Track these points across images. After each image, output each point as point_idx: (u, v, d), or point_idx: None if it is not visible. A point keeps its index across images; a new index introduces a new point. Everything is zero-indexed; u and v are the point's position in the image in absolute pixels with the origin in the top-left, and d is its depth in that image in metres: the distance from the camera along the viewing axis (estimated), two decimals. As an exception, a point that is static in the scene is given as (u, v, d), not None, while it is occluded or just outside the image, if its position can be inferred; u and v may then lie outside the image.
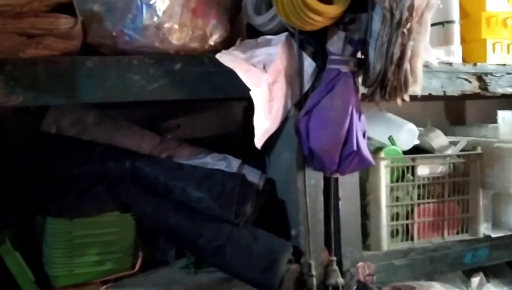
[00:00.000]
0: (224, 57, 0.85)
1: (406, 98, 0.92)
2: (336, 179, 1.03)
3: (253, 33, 1.05)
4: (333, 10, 0.86)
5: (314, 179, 1.02)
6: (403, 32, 0.84)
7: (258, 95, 0.85)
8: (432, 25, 1.27)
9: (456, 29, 1.26)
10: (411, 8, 0.82)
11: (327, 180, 1.03)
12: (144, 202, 0.94)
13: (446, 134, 1.55)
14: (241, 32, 1.13)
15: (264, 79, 0.88)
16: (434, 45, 1.26)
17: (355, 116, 0.91)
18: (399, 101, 0.93)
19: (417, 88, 0.91)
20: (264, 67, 0.91)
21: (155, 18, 0.85)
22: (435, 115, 1.75)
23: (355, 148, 0.89)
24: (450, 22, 1.26)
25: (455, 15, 1.26)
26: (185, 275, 0.99)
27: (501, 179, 1.17)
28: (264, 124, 0.88)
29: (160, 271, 0.99)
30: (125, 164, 0.96)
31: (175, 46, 0.89)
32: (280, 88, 0.94)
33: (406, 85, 0.90)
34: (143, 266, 0.96)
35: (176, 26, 0.88)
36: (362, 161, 0.92)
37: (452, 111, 1.78)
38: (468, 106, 1.80)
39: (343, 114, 0.90)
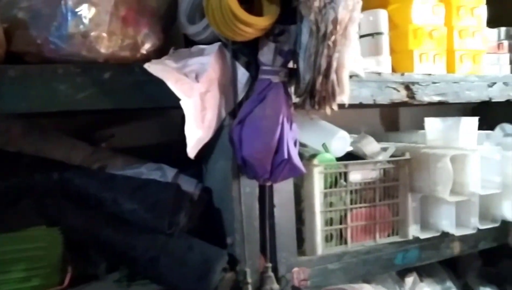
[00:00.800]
0: (154, 67, 0.84)
1: (335, 107, 0.95)
2: (271, 186, 1.05)
3: (191, 42, 1.06)
4: (262, 22, 0.88)
5: (249, 187, 1.03)
6: (328, 45, 0.87)
7: (189, 105, 0.85)
8: (362, 36, 1.33)
9: (385, 40, 1.32)
10: (335, 21, 0.85)
11: (262, 188, 1.05)
12: (73, 215, 0.91)
13: (380, 140, 1.62)
14: (178, 40, 1.13)
15: (196, 89, 0.89)
16: (365, 55, 1.32)
17: (286, 125, 0.93)
18: (328, 110, 0.96)
19: (344, 97, 0.95)
20: (196, 77, 0.92)
21: (81, 26, 0.83)
22: (371, 121, 1.82)
23: (286, 156, 0.91)
24: (379, 33, 1.32)
25: (384, 27, 1.32)
26: (118, 288, 0.96)
27: (428, 182, 1.23)
28: (196, 134, 0.88)
29: (91, 285, 0.96)
30: (53, 176, 0.93)
31: (104, 55, 0.88)
32: (213, 97, 0.95)
33: (333, 94, 0.93)
34: (73, 281, 0.93)
35: (104, 35, 0.87)
36: (293, 169, 0.94)
37: (387, 117, 1.86)
38: (401, 112, 1.89)
39: (274, 123, 0.92)
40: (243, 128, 0.94)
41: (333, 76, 0.91)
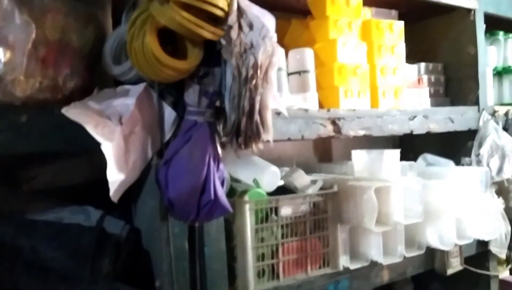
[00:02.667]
0: (72, 111, 0.83)
1: (260, 146, 0.98)
2: (201, 225, 1.05)
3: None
4: (185, 65, 0.89)
5: (178, 228, 1.02)
6: (250, 88, 0.89)
7: (110, 149, 0.84)
8: (290, 74, 1.38)
9: (311, 77, 1.38)
10: (255, 66, 0.88)
11: (192, 227, 1.04)
12: (-15, 266, 0.86)
13: (313, 171, 1.68)
14: (107, 78, 1.11)
15: (118, 132, 0.88)
16: (293, 92, 1.37)
17: (213, 165, 0.94)
18: (254, 148, 0.98)
19: (268, 136, 0.97)
20: (120, 119, 0.91)
21: (-5, 71, 0.80)
22: (304, 152, 1.87)
23: (212, 197, 0.92)
24: (306, 71, 1.37)
25: (310, 65, 1.38)
26: None
27: (355, 214, 1.28)
28: (119, 177, 0.87)
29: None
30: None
31: (21, 98, 0.85)
32: (138, 138, 0.94)
33: (258, 134, 0.95)
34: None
35: (21, 78, 0.84)
36: (220, 209, 0.94)
37: (320, 148, 1.92)
38: (334, 142, 1.95)
39: (200, 164, 0.92)
40: (169, 169, 0.93)
41: (256, 117, 0.93)
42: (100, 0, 1.22)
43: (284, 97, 1.32)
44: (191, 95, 0.95)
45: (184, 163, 0.92)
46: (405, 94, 1.56)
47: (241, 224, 1.14)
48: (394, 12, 1.72)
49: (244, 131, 0.94)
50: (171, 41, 0.92)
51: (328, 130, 1.33)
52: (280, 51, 1.35)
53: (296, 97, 1.33)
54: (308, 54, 1.38)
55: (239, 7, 0.91)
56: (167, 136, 1.00)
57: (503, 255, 1.69)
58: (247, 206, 1.14)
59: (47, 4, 0.90)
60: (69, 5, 0.96)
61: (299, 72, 1.37)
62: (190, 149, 0.93)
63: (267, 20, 0.91)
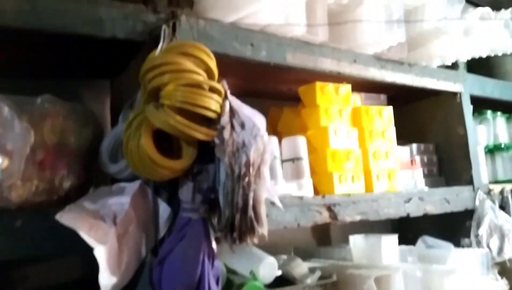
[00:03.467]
0: (66, 216, 0.84)
1: (255, 240, 0.97)
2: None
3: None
4: (179, 165, 0.92)
5: (172, 328, 0.98)
6: (243, 185, 0.91)
7: (103, 253, 0.83)
8: (284, 161, 1.41)
9: (305, 164, 1.40)
10: (247, 164, 0.90)
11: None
12: None
13: (312, 256, 1.65)
14: (104, 175, 1.13)
15: (112, 233, 0.88)
16: (288, 179, 1.39)
17: (207, 263, 0.93)
18: (250, 243, 0.97)
19: (263, 230, 0.97)
20: (114, 218, 0.91)
21: (-8, 178, 0.82)
22: (303, 236, 1.85)
23: (206, 296, 0.90)
24: (299, 158, 1.40)
25: (303, 152, 1.41)
26: None
27: (356, 304, 1.24)
28: (111, 281, 0.85)
29: None
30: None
31: (16, 203, 0.86)
32: (132, 238, 0.94)
33: (253, 229, 0.95)
34: None
35: (18, 182, 0.86)
36: (214, 309, 0.92)
37: (318, 231, 1.90)
38: (332, 225, 1.94)
39: (194, 263, 0.91)
40: (163, 269, 0.92)
41: (250, 212, 0.94)
42: (100, 98, 1.28)
43: (279, 184, 1.33)
44: (185, 192, 0.96)
45: (178, 263, 0.91)
46: (399, 176, 1.58)
47: (237, 321, 1.10)
48: (383, 97, 1.79)
49: (239, 226, 0.94)
50: (167, 138, 0.95)
51: (324, 216, 1.33)
52: (274, 139, 1.40)
53: (291, 184, 1.35)
54: (300, 141, 1.42)
55: (231, 108, 0.95)
56: (162, 232, 1.00)
57: None
58: (243, 301, 1.11)
59: (47, 108, 0.95)
60: (68, 107, 1.00)
61: (292, 160, 1.40)
62: (184, 247, 0.93)
63: (257, 119, 0.95)
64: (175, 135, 0.90)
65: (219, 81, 0.97)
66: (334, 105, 1.51)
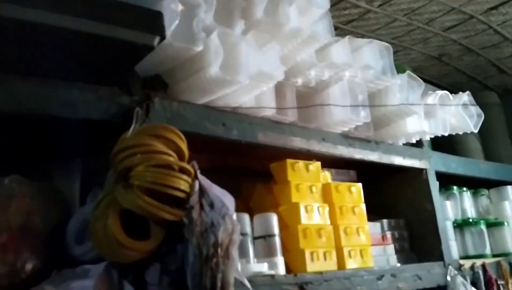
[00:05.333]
0: (25, 302, 0.80)
1: (225, 324, 0.94)
2: None
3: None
4: (147, 246, 0.91)
5: None
6: (211, 266, 0.90)
7: None
8: (256, 238, 1.40)
9: (277, 241, 1.40)
10: (216, 244, 0.90)
11: None
12: None
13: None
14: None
15: (72, 320, 0.84)
16: (259, 257, 1.37)
17: None
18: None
19: (232, 313, 0.95)
20: (76, 304, 0.88)
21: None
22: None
23: None
24: (271, 235, 1.40)
25: (275, 229, 1.41)
26: None
27: None
28: None
29: None
30: None
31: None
32: (95, 324, 0.90)
33: (221, 311, 0.93)
34: None
35: (-23, 266, 0.83)
36: None
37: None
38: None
39: None
40: None
41: (218, 294, 0.92)
42: (70, 177, 1.28)
43: (250, 263, 1.31)
44: (152, 274, 0.94)
45: None
46: (371, 252, 1.58)
47: None
48: (352, 173, 1.84)
49: (207, 309, 0.92)
50: (135, 219, 0.95)
51: (296, 296, 1.31)
52: (245, 216, 1.40)
53: (262, 262, 1.33)
54: (272, 218, 1.42)
55: (200, 188, 0.96)
56: (127, 317, 0.96)
57: None
58: None
59: (13, 188, 0.94)
60: (36, 188, 1.00)
61: (264, 237, 1.40)
62: (149, 333, 0.89)
63: (227, 199, 0.96)
64: (144, 215, 0.90)
65: (189, 161, 0.99)
66: (304, 182, 1.54)
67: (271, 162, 1.59)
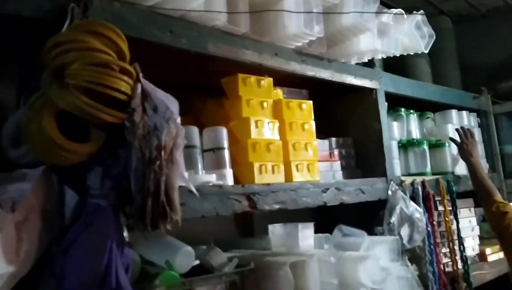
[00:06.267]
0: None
1: (168, 227, 0.96)
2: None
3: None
4: (86, 149, 0.88)
5: (79, 320, 0.94)
6: (154, 169, 0.89)
7: (-3, 240, 0.78)
8: (205, 151, 1.40)
9: (226, 154, 1.41)
10: (159, 147, 0.89)
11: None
12: None
13: (234, 247, 1.65)
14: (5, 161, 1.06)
15: (9, 220, 0.82)
16: (208, 169, 1.38)
17: (116, 251, 0.90)
18: (162, 229, 0.96)
19: (177, 216, 0.96)
20: (12, 205, 0.85)
21: None
22: (226, 228, 1.85)
23: (114, 285, 0.87)
24: (221, 148, 1.40)
25: (225, 142, 1.41)
26: None
27: (273, 291, 1.26)
28: (7, 270, 0.80)
29: None
30: None
31: None
32: (33, 226, 0.88)
33: (165, 215, 0.94)
34: None
35: None
36: (123, 298, 0.89)
37: (241, 223, 1.91)
38: (256, 217, 1.96)
39: (101, 251, 0.88)
40: (67, 258, 0.88)
41: (162, 197, 0.92)
42: (6, 84, 1.20)
43: (199, 174, 1.32)
44: (94, 178, 0.93)
45: (83, 252, 0.88)
46: (318, 168, 1.63)
47: (151, 311, 1.08)
48: (304, 92, 1.84)
49: (150, 212, 0.92)
50: (74, 122, 0.91)
51: (244, 205, 1.34)
52: (195, 129, 1.39)
53: (212, 174, 1.34)
54: (221, 131, 1.42)
55: (143, 91, 0.93)
56: (68, 221, 0.95)
57: (420, 322, 1.73)
58: (158, 291, 1.09)
59: None
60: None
61: (213, 149, 1.40)
62: (90, 235, 0.89)
63: (171, 103, 0.93)
64: (82, 117, 0.86)
65: (131, 64, 0.94)
66: (256, 97, 1.53)
67: (222, 77, 1.55)
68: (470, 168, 1.91)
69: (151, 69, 1.02)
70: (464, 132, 1.99)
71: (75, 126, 0.90)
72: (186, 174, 1.03)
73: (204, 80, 1.64)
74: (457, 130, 2.03)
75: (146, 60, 1.00)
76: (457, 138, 2.00)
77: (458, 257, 2.01)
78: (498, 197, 1.75)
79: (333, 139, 1.89)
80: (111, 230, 0.91)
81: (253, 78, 1.53)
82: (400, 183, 1.87)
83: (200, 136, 1.42)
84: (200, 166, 1.36)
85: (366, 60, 1.83)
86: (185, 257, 1.21)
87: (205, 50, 1.34)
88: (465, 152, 1.94)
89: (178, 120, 0.94)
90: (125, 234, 0.98)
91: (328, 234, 1.56)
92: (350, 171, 1.88)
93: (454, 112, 2.38)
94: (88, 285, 0.85)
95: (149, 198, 0.91)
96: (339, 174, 1.80)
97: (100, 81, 0.84)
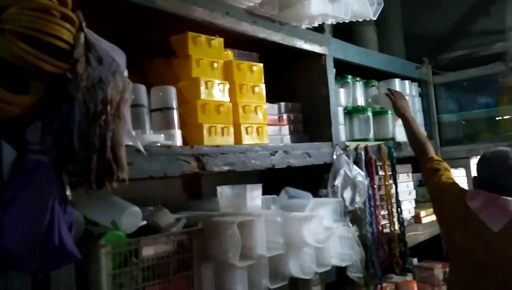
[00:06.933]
0: None
1: (114, 185, 0.93)
2: (47, 275, 0.95)
3: None
4: (23, 101, 0.82)
5: (19, 280, 0.90)
6: (100, 124, 0.85)
7: None
8: (153, 110, 1.37)
9: (175, 114, 1.38)
10: (104, 101, 0.85)
11: (36, 278, 0.93)
12: None
13: (182, 209, 1.65)
14: None
15: None
16: (156, 129, 1.35)
17: (58, 208, 0.87)
18: (109, 188, 0.93)
19: (124, 175, 0.93)
20: None
21: None
22: (174, 190, 1.84)
23: (57, 243, 0.84)
24: (169, 108, 1.37)
25: (173, 102, 1.38)
26: None
27: (220, 250, 1.28)
28: None
29: None
30: None
31: None
32: (-33, 182, 0.83)
33: (111, 172, 0.91)
34: None
35: None
36: (66, 256, 0.87)
37: (189, 185, 1.90)
38: (204, 180, 1.95)
39: (42, 208, 0.84)
40: (6, 215, 0.83)
41: (108, 154, 0.89)
42: None
43: (146, 134, 1.29)
44: (33, 132, 0.87)
45: (23, 208, 0.83)
46: (267, 131, 1.64)
47: (95, 270, 1.06)
48: (255, 55, 1.82)
49: (96, 170, 0.89)
50: (11, 71, 0.84)
51: (192, 166, 1.33)
52: (142, 88, 1.34)
53: (160, 134, 1.31)
54: (170, 91, 1.38)
55: (87, 41, 0.88)
56: (5, 177, 0.89)
57: (359, 279, 1.83)
58: (102, 251, 1.06)
59: None
60: None
61: (161, 109, 1.36)
62: (31, 191, 0.85)
63: (117, 55, 0.89)
64: (19, 65, 0.80)
65: (74, 11, 0.88)
66: (206, 57, 1.49)
67: (171, 36, 1.50)
68: (405, 122, 2.02)
69: (95, 24, 0.96)
70: (392, 93, 2.10)
71: (13, 76, 0.83)
72: (134, 133, 1.00)
73: (152, 37, 1.58)
74: (386, 93, 2.13)
75: (90, 13, 0.94)
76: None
77: (395, 219, 2.13)
78: (433, 154, 1.87)
79: (282, 103, 1.90)
80: (52, 187, 0.87)
81: (203, 38, 1.50)
82: (345, 148, 1.93)
83: (148, 96, 1.37)
84: (147, 126, 1.32)
85: (317, 25, 1.84)
86: (132, 217, 1.19)
87: (152, 3, 1.29)
88: (399, 108, 2.04)
89: (125, 73, 0.90)
90: (68, 192, 0.94)
91: (275, 196, 1.59)
92: (297, 135, 1.91)
93: (397, 81, 2.46)
94: (29, 242, 0.82)
95: (94, 155, 0.88)
96: (287, 138, 1.82)
97: (39, 27, 0.78)
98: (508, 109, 2.73)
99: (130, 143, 1.01)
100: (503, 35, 2.62)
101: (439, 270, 2.41)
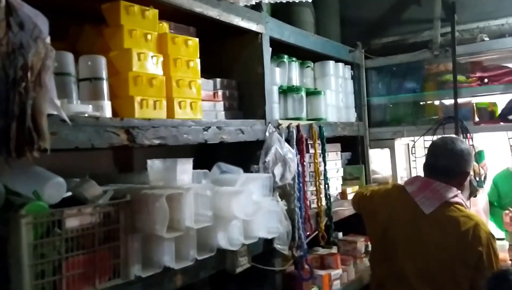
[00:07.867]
0: None
1: (35, 154, 0.92)
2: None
3: None
4: None
5: None
6: (20, 91, 0.83)
7: None
8: (81, 80, 1.33)
9: (104, 85, 1.35)
10: (25, 67, 0.82)
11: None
12: None
13: (112, 181, 1.63)
14: None
15: None
16: (84, 99, 1.32)
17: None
18: (29, 157, 0.91)
19: (45, 144, 0.92)
20: None
21: None
22: (104, 163, 1.81)
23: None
24: (98, 78, 1.34)
25: (103, 72, 1.35)
26: None
27: (148, 222, 1.29)
28: None
29: None
30: None
31: None
32: None
33: (31, 141, 0.89)
34: None
35: None
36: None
37: (121, 158, 1.88)
38: (135, 153, 1.94)
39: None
40: None
41: (29, 122, 0.87)
42: None
43: (72, 104, 1.26)
44: None
45: None
46: (201, 107, 1.65)
47: (15, 240, 1.04)
48: (192, 29, 1.81)
49: (15, 138, 0.87)
50: None
51: (122, 139, 1.32)
52: (69, 55, 1.30)
53: (87, 104, 1.28)
54: (100, 61, 1.35)
55: (8, 4, 0.84)
56: None
57: (286, 251, 1.92)
58: (23, 221, 1.04)
59: None
60: None
61: (90, 79, 1.33)
62: None
63: (40, 21, 0.86)
64: None
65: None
66: (139, 28, 1.47)
67: (103, 3, 1.46)
68: None
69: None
70: None
71: None
72: (58, 102, 0.98)
73: (82, 4, 1.52)
74: None
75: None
76: None
77: (322, 195, 2.24)
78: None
79: (218, 79, 1.91)
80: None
81: (136, 8, 1.47)
82: (278, 126, 1.99)
83: (76, 65, 1.33)
84: (75, 95, 1.29)
85: (254, 3, 1.86)
86: (55, 188, 1.17)
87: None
88: None
89: (48, 40, 0.87)
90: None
91: (207, 171, 1.62)
92: (232, 112, 1.94)
93: (331, 63, 2.55)
94: None
95: (14, 122, 0.86)
96: (221, 114, 1.84)
97: (-48, -15, 0.74)
98: (432, 95, 2.93)
99: (54, 112, 0.99)
100: (431, 24, 2.78)
101: (361, 244, 2.58)
